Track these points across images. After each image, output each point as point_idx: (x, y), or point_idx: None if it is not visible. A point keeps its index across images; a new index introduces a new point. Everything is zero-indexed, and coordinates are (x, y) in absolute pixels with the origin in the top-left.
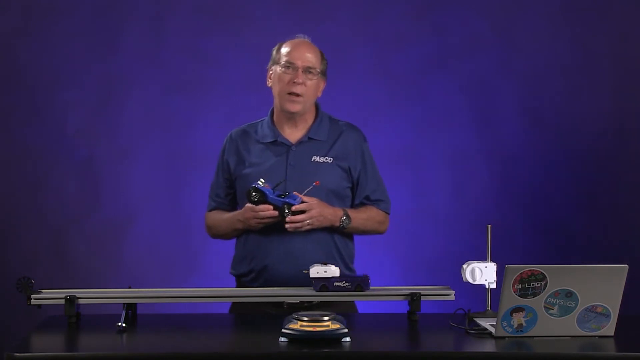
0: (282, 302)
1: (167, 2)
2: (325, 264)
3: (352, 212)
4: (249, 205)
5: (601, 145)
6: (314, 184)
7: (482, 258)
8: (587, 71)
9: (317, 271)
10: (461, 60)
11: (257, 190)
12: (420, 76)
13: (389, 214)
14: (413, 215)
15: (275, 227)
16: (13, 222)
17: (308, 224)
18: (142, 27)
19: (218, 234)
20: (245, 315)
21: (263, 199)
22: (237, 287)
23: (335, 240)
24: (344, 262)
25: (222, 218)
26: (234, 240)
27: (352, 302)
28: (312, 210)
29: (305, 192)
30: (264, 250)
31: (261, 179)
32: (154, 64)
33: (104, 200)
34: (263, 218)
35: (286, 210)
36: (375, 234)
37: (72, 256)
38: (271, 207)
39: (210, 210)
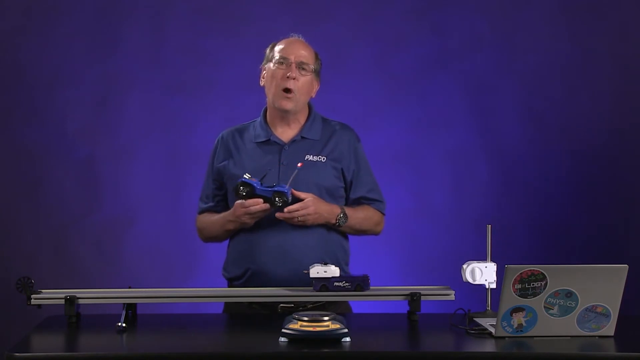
0: (277, 306)
1: (167, 2)
2: (325, 264)
3: (349, 210)
4: (238, 202)
5: (601, 145)
6: (297, 166)
7: (482, 258)
8: (586, 70)
9: (317, 271)
10: (461, 60)
11: (244, 184)
12: (420, 76)
13: (384, 214)
14: (413, 215)
15: (269, 227)
16: (13, 222)
17: (299, 221)
18: (142, 27)
19: (209, 237)
20: (246, 316)
21: (252, 192)
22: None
23: (331, 240)
24: (338, 263)
25: (212, 220)
26: None
27: (347, 302)
28: (308, 208)
29: (292, 177)
30: (258, 251)
31: (247, 174)
32: (154, 64)
33: (104, 200)
34: (255, 212)
35: (277, 199)
36: (370, 234)
37: (72, 256)
38: (261, 200)
39: (200, 212)
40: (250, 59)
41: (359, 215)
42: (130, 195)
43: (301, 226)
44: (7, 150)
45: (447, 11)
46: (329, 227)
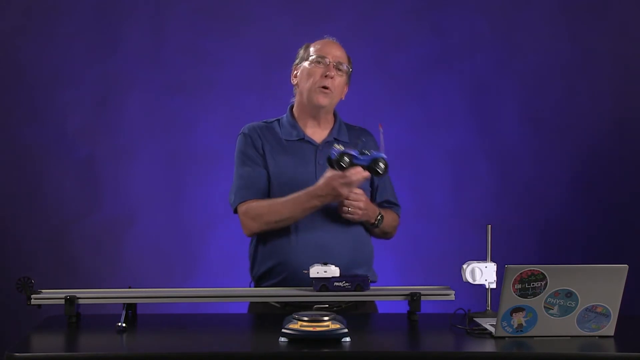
0: (311, 307)
1: (167, 2)
2: (325, 264)
3: (383, 212)
4: (336, 174)
5: (601, 145)
6: (379, 127)
7: (482, 258)
8: (586, 70)
9: (317, 271)
10: (461, 60)
11: (346, 154)
12: (420, 76)
13: (399, 217)
14: (413, 215)
15: (306, 226)
16: (13, 222)
17: (349, 212)
18: (142, 27)
19: (275, 220)
20: (245, 315)
21: (353, 162)
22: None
23: (364, 241)
24: (367, 264)
25: (283, 201)
26: (235, 243)
27: (374, 302)
28: (360, 201)
29: (381, 141)
30: (291, 251)
31: (335, 144)
32: (154, 64)
33: (104, 200)
34: (355, 182)
35: (377, 165)
36: (389, 238)
37: (72, 256)
38: (361, 168)
39: (246, 200)
40: (250, 59)
41: (388, 218)
42: (130, 195)
43: (338, 225)
44: (7, 150)
45: (447, 11)
46: (366, 227)
